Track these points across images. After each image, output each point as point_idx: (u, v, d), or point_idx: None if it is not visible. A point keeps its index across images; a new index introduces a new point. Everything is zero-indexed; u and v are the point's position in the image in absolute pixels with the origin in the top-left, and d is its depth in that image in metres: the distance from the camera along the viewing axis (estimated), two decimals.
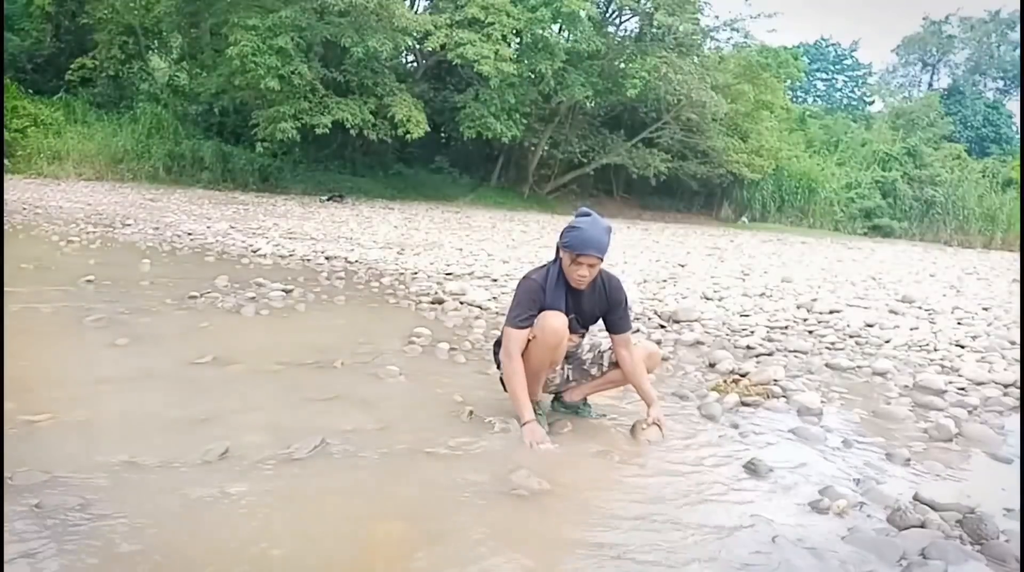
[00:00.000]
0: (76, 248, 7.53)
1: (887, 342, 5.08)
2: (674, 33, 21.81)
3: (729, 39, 24.76)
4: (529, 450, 2.61)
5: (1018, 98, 43.95)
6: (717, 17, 25.20)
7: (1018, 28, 43.30)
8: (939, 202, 28.79)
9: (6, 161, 17.35)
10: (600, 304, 2.93)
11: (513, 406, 2.78)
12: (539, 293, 2.82)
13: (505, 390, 2.94)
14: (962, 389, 3.95)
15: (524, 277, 2.92)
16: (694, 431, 3.02)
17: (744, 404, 3.42)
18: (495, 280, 7.03)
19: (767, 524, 2.15)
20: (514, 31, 19.91)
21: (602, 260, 2.79)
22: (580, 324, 2.96)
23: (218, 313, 4.81)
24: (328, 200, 18.34)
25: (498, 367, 2.99)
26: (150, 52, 23.41)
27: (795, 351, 4.71)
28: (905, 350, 4.89)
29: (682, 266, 9.49)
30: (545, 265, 2.93)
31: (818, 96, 50.02)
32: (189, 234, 9.48)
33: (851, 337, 5.24)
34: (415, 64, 23.90)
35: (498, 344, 2.96)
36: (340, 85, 19.60)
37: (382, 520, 2.05)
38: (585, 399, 3.17)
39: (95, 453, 2.32)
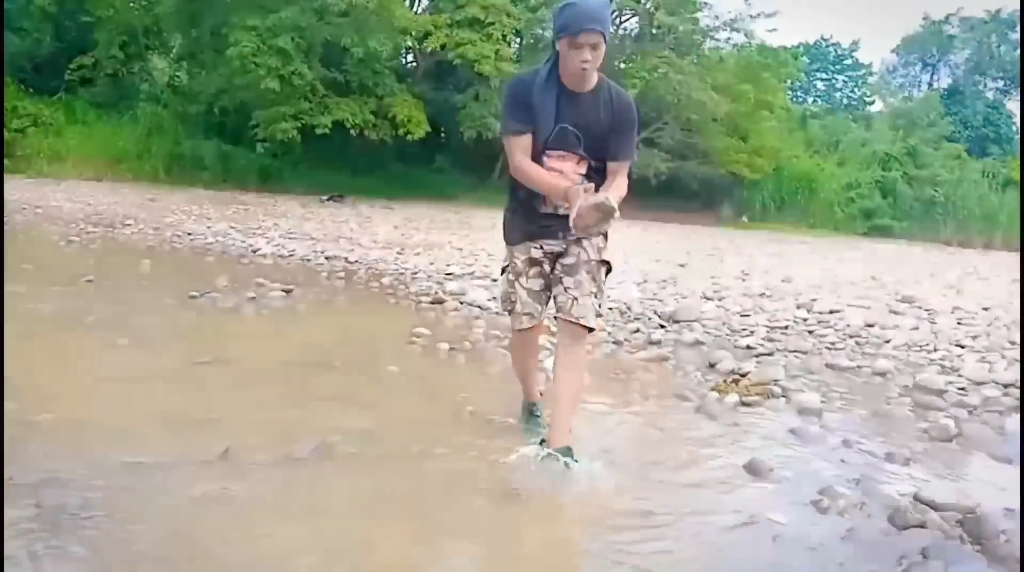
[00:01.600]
0: (76, 248, 7.53)
1: (887, 342, 5.08)
2: (674, 33, 21.83)
3: (729, 39, 24.82)
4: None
5: (1018, 98, 43.92)
6: (717, 17, 25.12)
7: (1018, 28, 43.29)
8: (939, 202, 28.76)
9: (6, 161, 17.35)
10: (605, 118, 2.46)
11: (549, 193, 2.45)
12: (525, 91, 2.43)
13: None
14: (962, 389, 3.94)
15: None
16: (694, 431, 3.02)
17: (744, 404, 3.42)
18: (495, 280, 7.02)
19: (767, 524, 2.15)
20: (514, 31, 19.92)
21: (606, 39, 2.35)
22: (580, 142, 2.47)
23: (218, 313, 4.81)
24: (328, 200, 18.33)
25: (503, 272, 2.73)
26: (150, 52, 23.39)
27: (795, 351, 4.71)
28: (905, 350, 4.88)
29: (682, 266, 9.49)
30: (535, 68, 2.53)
31: (818, 96, 50.00)
32: (189, 234, 9.48)
33: (851, 337, 5.24)
34: (415, 64, 23.90)
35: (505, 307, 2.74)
36: (340, 85, 19.60)
37: (382, 520, 2.05)
38: (570, 448, 2.40)
39: (95, 453, 2.32)
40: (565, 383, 2.48)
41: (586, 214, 2.24)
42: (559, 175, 2.46)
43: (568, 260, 2.53)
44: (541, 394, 2.94)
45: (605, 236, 2.53)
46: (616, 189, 2.44)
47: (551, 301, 2.64)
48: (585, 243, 2.50)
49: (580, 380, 2.56)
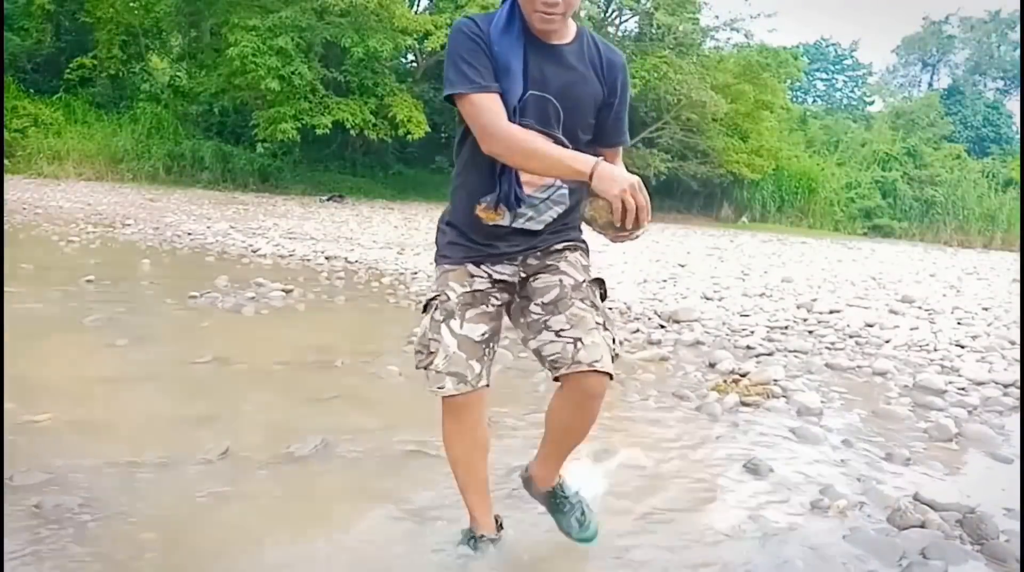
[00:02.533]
0: (76, 248, 7.53)
1: (887, 342, 5.08)
2: (674, 33, 21.80)
3: (729, 39, 24.78)
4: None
5: (1018, 98, 43.94)
6: (717, 17, 25.18)
7: (1018, 28, 43.30)
8: (939, 202, 28.76)
9: (6, 161, 17.34)
10: (592, 83, 1.76)
11: (562, 172, 1.66)
12: (481, 38, 1.68)
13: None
14: (962, 389, 3.94)
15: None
16: (694, 431, 3.02)
17: (744, 404, 3.42)
18: None
19: (767, 524, 2.15)
20: None
21: None
22: (559, 117, 1.73)
23: (218, 313, 4.81)
24: (328, 200, 18.33)
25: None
26: (150, 52, 23.39)
27: (795, 351, 4.71)
28: (905, 350, 4.88)
29: (682, 266, 9.49)
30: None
31: (818, 96, 50.01)
32: (189, 234, 9.48)
33: (851, 337, 5.24)
34: (415, 64, 23.89)
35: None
36: (340, 85, 19.59)
37: (382, 519, 2.05)
38: (561, 486, 1.95)
39: (95, 453, 2.32)
40: (571, 431, 1.84)
41: (634, 207, 1.55)
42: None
43: (546, 295, 1.76)
44: (499, 523, 1.93)
45: (585, 249, 1.89)
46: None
47: (494, 358, 1.85)
48: (562, 264, 1.80)
49: (587, 430, 1.83)
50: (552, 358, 1.71)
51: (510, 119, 1.66)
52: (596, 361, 1.67)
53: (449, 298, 1.79)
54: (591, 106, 1.77)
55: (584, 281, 1.80)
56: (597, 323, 1.73)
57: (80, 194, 14.57)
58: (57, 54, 21.62)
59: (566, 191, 1.79)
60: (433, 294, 1.82)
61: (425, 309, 1.83)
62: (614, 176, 1.57)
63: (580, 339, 1.68)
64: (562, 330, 1.71)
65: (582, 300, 1.76)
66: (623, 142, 1.89)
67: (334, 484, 2.26)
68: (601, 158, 1.63)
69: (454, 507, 2.04)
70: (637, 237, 1.65)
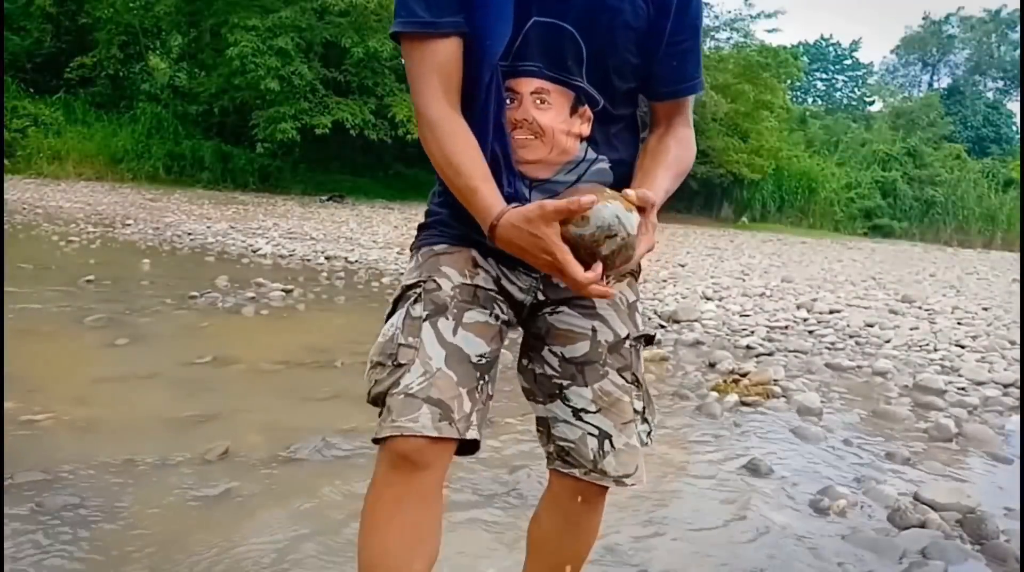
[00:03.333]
0: (76, 248, 7.53)
1: (887, 342, 5.08)
2: None
3: (729, 39, 24.80)
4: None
5: (1018, 98, 43.99)
6: (717, 17, 25.12)
7: (1018, 28, 43.31)
8: (939, 202, 28.81)
9: (6, 161, 17.35)
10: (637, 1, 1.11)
11: (467, 202, 1.08)
12: None
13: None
14: (962, 389, 3.95)
15: None
16: (694, 431, 3.02)
17: (744, 404, 3.42)
18: None
19: (767, 524, 2.15)
20: None
21: None
22: (582, 56, 1.11)
23: (218, 313, 4.81)
24: (328, 200, 18.33)
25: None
26: (150, 52, 23.40)
27: (795, 351, 4.71)
28: (905, 350, 4.89)
29: (682, 266, 9.49)
30: None
31: (818, 96, 50.06)
32: (189, 234, 9.48)
33: (851, 337, 5.24)
34: None
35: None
36: (340, 85, 19.60)
37: None
38: None
39: (95, 453, 2.32)
40: (569, 549, 1.32)
41: (613, 249, 0.96)
42: (531, 148, 1.12)
43: (570, 347, 1.21)
44: None
45: (636, 271, 1.31)
46: (672, 170, 1.16)
47: (489, 400, 1.18)
48: (606, 302, 1.23)
49: (590, 545, 1.34)
50: (564, 446, 1.21)
51: (507, 54, 1.08)
52: (627, 476, 1.20)
53: (440, 287, 1.15)
54: (631, 36, 1.11)
55: (627, 337, 1.24)
56: (636, 413, 1.22)
57: (80, 194, 14.57)
58: (57, 54, 21.61)
59: (607, 165, 1.18)
60: (413, 280, 1.18)
61: (395, 306, 1.19)
62: (524, 243, 0.97)
63: (609, 437, 1.19)
64: (585, 412, 1.20)
65: (621, 371, 1.21)
66: (690, 89, 1.20)
67: (334, 484, 2.26)
68: (511, 209, 1.00)
69: (454, 508, 2.04)
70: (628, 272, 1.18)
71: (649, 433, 1.26)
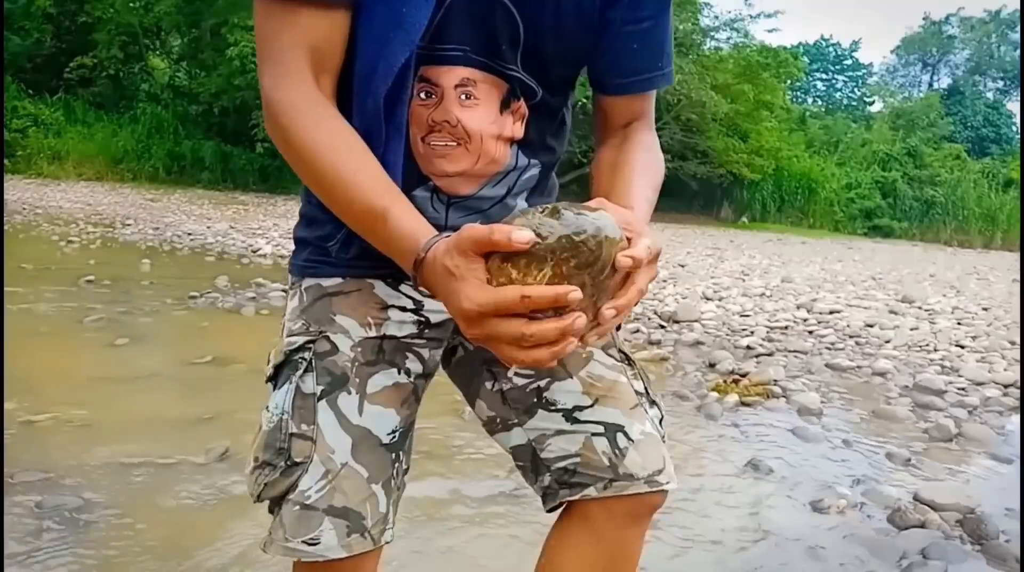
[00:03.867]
0: (76, 248, 7.53)
1: (887, 342, 5.09)
2: (674, 33, 21.82)
3: (729, 39, 24.80)
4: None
5: (1018, 98, 44.01)
6: (717, 17, 25.14)
7: (1018, 28, 43.33)
8: (939, 202, 28.79)
9: (6, 161, 17.35)
10: None
11: (368, 231, 0.78)
12: None
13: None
14: (962, 389, 3.95)
15: None
16: (694, 431, 3.02)
17: (744, 404, 3.42)
18: None
19: (767, 524, 2.15)
20: None
21: None
22: (518, 39, 0.84)
23: (218, 313, 4.81)
24: None
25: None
26: (150, 52, 23.41)
27: (795, 351, 4.71)
28: (905, 350, 4.89)
29: (682, 266, 9.49)
30: None
31: (818, 96, 50.04)
32: (189, 234, 9.48)
33: (851, 337, 5.24)
34: None
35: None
36: None
37: None
38: None
39: (95, 453, 2.32)
40: None
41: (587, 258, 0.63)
42: (448, 158, 0.88)
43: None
44: None
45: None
46: (646, 189, 0.90)
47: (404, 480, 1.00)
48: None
49: None
50: (564, 467, 0.96)
51: (426, 34, 0.80)
52: (658, 472, 0.92)
53: (337, 348, 0.92)
54: (578, 16, 0.87)
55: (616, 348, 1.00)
56: (638, 395, 0.97)
57: (80, 194, 14.57)
58: (57, 54, 21.62)
59: (537, 171, 0.98)
60: (298, 341, 0.94)
61: (277, 373, 0.94)
62: (454, 292, 0.66)
63: (621, 428, 0.92)
64: (579, 410, 0.94)
65: (606, 349, 0.97)
66: (651, 82, 0.95)
67: None
68: (440, 239, 0.70)
69: (455, 504, 2.04)
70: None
71: (661, 420, 0.99)
